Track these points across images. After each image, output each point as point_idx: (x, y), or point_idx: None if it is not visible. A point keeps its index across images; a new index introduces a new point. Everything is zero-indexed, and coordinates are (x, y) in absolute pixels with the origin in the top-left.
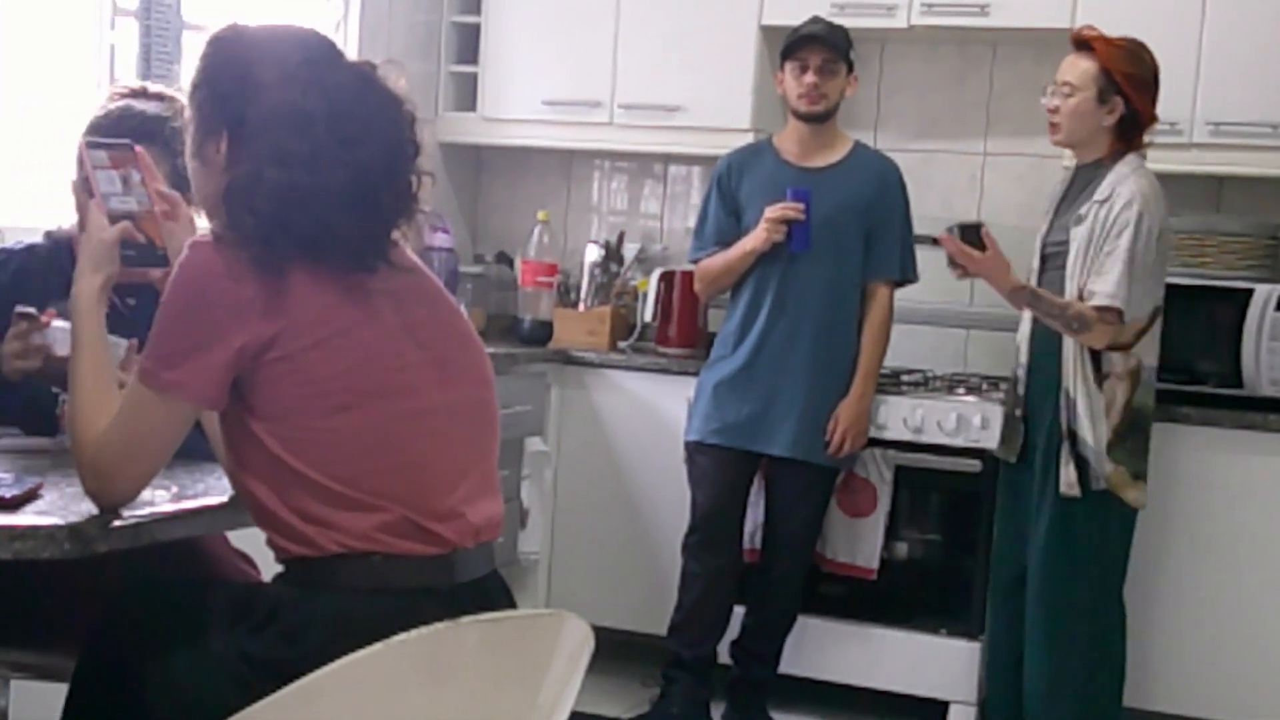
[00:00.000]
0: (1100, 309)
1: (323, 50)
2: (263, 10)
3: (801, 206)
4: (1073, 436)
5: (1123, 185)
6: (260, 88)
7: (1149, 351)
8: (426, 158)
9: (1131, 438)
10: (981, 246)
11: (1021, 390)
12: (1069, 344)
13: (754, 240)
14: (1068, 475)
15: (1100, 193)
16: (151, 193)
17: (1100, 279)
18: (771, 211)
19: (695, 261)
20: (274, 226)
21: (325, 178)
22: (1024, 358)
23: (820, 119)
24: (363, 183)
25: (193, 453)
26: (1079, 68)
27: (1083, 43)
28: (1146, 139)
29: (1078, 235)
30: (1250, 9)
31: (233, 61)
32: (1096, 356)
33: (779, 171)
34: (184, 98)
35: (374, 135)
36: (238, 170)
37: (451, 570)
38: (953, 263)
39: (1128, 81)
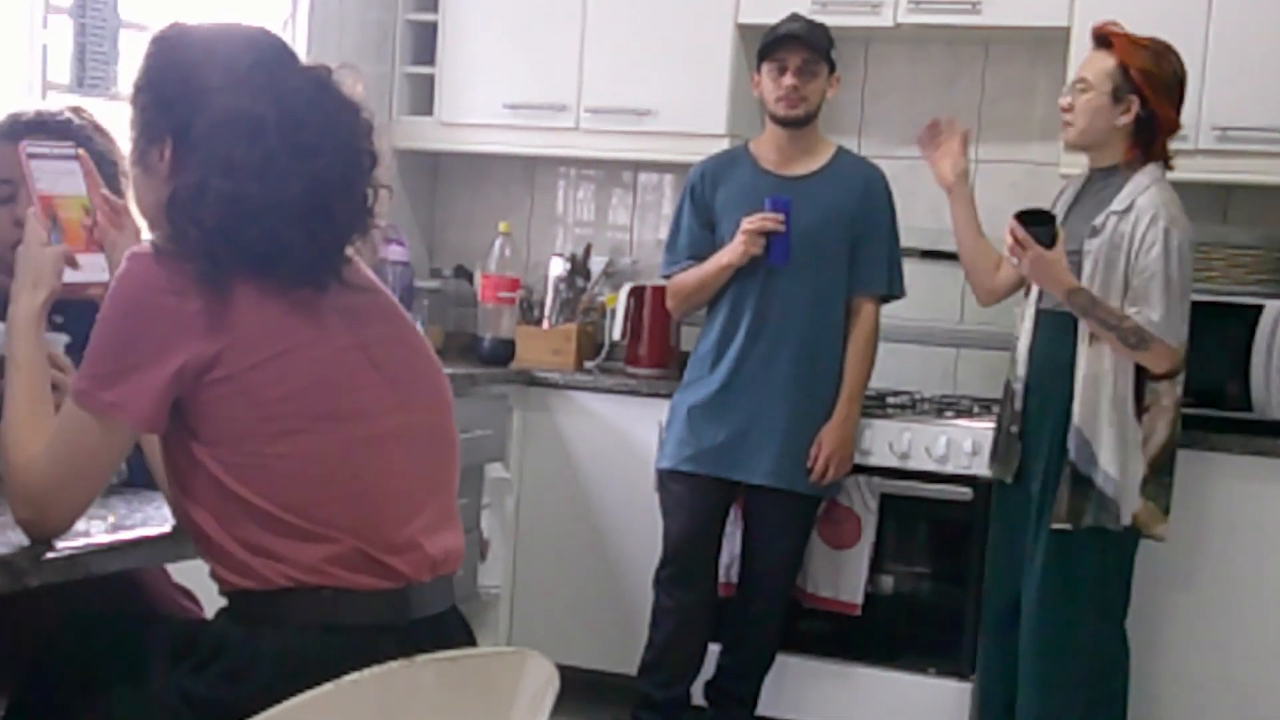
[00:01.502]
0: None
1: (274, 52)
2: (206, 7)
3: (781, 217)
4: (1073, 470)
5: (1143, 197)
6: (207, 92)
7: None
8: (384, 169)
9: (1164, 474)
10: (1050, 244)
11: (1019, 406)
12: (1097, 371)
13: (730, 254)
14: (1059, 509)
15: (1118, 203)
16: (97, 201)
17: (1145, 307)
18: (749, 223)
19: (668, 277)
20: (220, 240)
21: (277, 188)
22: (1022, 371)
23: (800, 124)
24: (316, 194)
25: (132, 480)
26: (1096, 64)
27: (1103, 38)
28: (1171, 149)
29: (1093, 247)
30: (1259, 7)
31: (178, 63)
32: (1140, 388)
33: (756, 180)
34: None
35: (330, 144)
36: (182, 179)
37: (407, 605)
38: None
39: (1145, 80)
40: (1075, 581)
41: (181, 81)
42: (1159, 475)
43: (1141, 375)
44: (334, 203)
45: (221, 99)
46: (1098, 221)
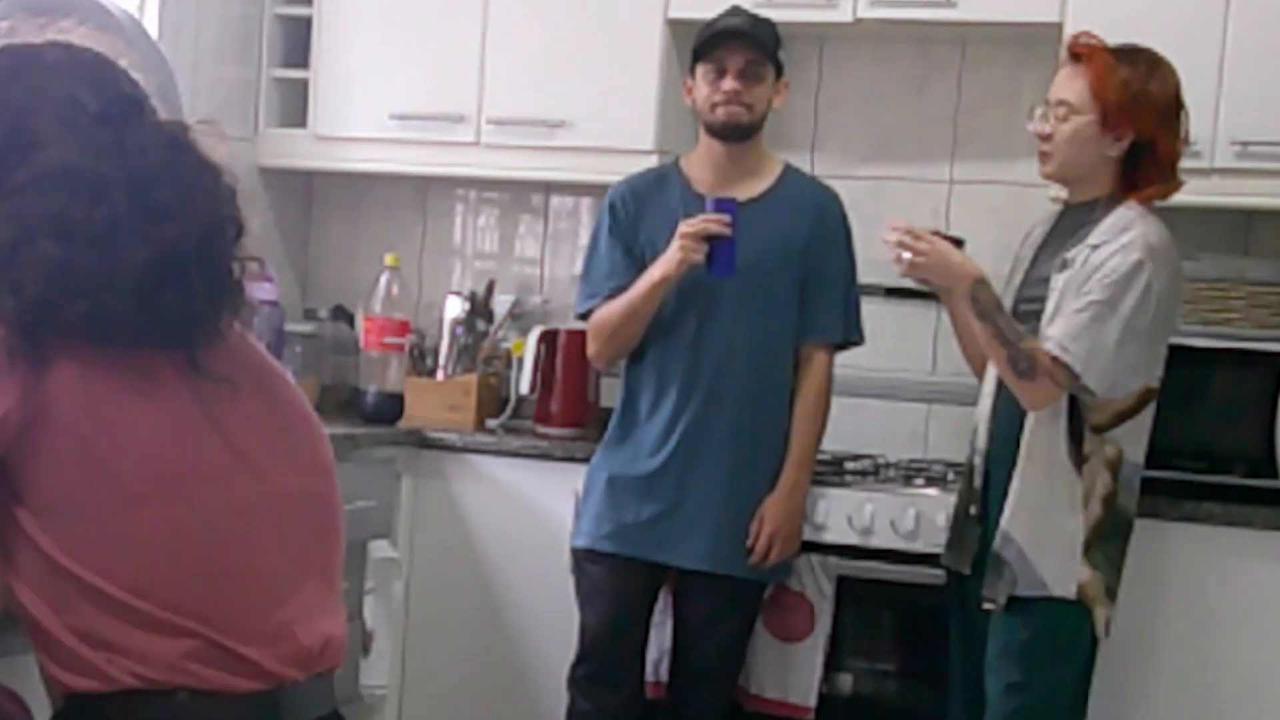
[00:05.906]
0: (1051, 359)
1: (123, 103)
2: None
3: (727, 219)
4: (1004, 535)
5: (1126, 232)
6: (40, 145)
7: (1133, 443)
8: (251, 241)
9: (1113, 543)
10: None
11: (979, 483)
12: (1034, 420)
13: (665, 265)
14: (992, 587)
15: (1095, 237)
16: None
17: (1058, 322)
18: (688, 226)
19: (585, 315)
20: (39, 313)
21: (116, 257)
22: (982, 443)
23: (741, 136)
24: (164, 266)
25: None
26: (1078, 85)
27: (1080, 55)
28: (1157, 185)
29: (1060, 282)
30: None
31: (2, 104)
32: (1077, 433)
33: (688, 204)
34: None
35: (185, 210)
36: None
37: (277, 710)
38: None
39: (1135, 105)
40: (1028, 685)
41: (8, 132)
42: (1106, 543)
43: (1079, 419)
44: (190, 276)
45: (57, 151)
46: (1070, 254)
